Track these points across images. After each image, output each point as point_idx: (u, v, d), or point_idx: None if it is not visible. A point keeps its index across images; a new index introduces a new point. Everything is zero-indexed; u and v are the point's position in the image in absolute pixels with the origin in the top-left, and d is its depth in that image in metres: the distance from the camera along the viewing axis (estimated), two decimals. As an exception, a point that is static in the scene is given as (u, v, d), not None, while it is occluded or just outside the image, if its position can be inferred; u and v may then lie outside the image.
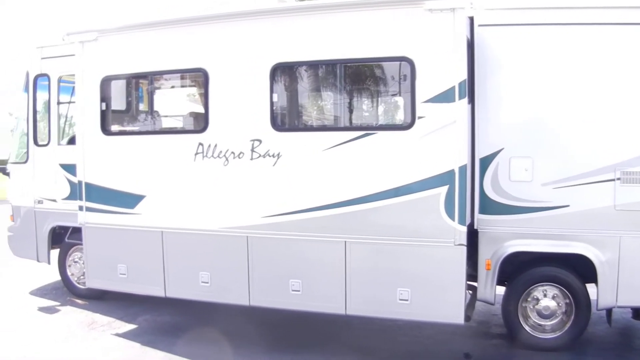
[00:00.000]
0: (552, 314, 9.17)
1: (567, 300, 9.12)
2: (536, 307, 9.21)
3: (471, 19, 8.90)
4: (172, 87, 11.52)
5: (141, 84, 11.45)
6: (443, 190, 8.41)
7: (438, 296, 8.69)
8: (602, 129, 8.64)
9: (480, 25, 8.94)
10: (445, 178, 8.40)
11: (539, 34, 8.76)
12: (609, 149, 8.61)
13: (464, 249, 8.47)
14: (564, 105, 8.75)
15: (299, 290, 9.29)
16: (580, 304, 9.06)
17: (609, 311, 9.29)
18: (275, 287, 9.48)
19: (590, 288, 9.09)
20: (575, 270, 9.07)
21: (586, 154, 8.68)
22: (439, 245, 8.53)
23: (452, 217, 8.42)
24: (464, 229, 8.43)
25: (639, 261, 8.65)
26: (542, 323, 9.23)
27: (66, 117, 12.51)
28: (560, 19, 8.66)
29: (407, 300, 8.76)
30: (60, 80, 12.32)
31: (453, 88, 8.29)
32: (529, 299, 9.25)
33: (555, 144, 8.77)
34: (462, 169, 8.36)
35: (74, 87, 11.28)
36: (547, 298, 9.17)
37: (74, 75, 10.95)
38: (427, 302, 8.75)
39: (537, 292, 9.21)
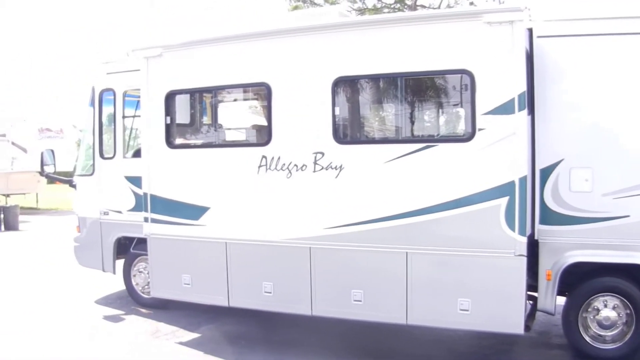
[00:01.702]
0: (613, 325, 9.11)
1: (628, 311, 9.04)
2: (596, 317, 9.16)
3: (530, 31, 8.95)
4: (235, 100, 11.75)
5: (205, 98, 11.70)
6: (503, 201, 8.46)
7: (498, 306, 8.71)
8: (662, 139, 8.62)
9: (539, 37, 8.97)
10: (505, 189, 8.44)
11: (597, 44, 8.76)
12: (669, 159, 8.58)
13: (524, 259, 8.49)
14: (623, 115, 8.73)
15: (360, 301, 9.39)
16: (641, 315, 9.02)
17: (669, 322, 9.22)
18: (337, 297, 9.59)
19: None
20: (636, 281, 9.01)
21: (646, 165, 8.66)
22: (499, 255, 8.57)
23: (512, 227, 8.45)
24: (524, 239, 8.46)
25: (699, 271, 8.58)
26: (603, 334, 9.16)
27: (131, 130, 12.84)
28: (617, 29, 8.64)
29: (467, 310, 8.82)
30: (125, 94, 12.63)
31: (513, 100, 8.33)
32: (589, 310, 9.21)
33: (615, 154, 8.73)
34: (522, 180, 8.39)
35: (138, 101, 11.62)
36: (608, 308, 9.11)
37: (138, 89, 11.26)
38: (487, 312, 8.78)
39: (598, 302, 9.16)
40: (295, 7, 34.86)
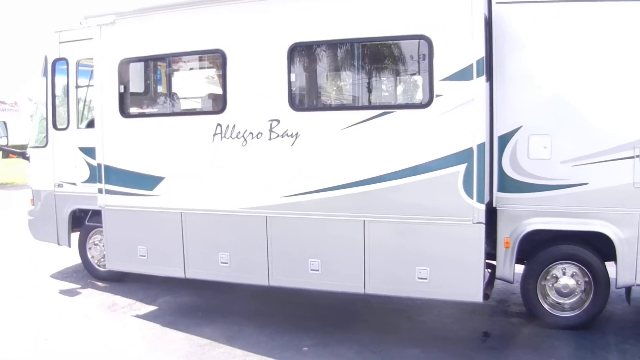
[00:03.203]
0: (571, 292, 9.17)
1: (586, 279, 9.10)
2: (555, 285, 9.21)
3: (489, -4, 8.87)
4: (191, 69, 11.55)
5: (159, 67, 11.52)
6: (461, 168, 8.39)
7: (456, 275, 8.67)
8: (622, 107, 8.58)
9: (498, 3, 8.88)
10: (463, 156, 8.37)
11: (557, 11, 8.69)
12: (628, 127, 8.55)
13: (483, 227, 8.45)
14: (583, 82, 8.70)
15: (317, 270, 9.32)
16: (599, 282, 9.04)
17: (628, 289, 9.27)
18: (294, 267, 9.50)
19: (610, 266, 9.05)
20: (595, 248, 9.06)
21: (605, 132, 8.62)
22: (457, 223, 8.51)
23: (470, 195, 8.40)
24: (483, 207, 8.41)
25: (659, 239, 8.59)
26: (561, 301, 9.22)
27: (85, 100, 12.54)
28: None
29: (425, 278, 8.77)
30: (78, 64, 12.36)
31: (471, 66, 8.24)
32: (548, 277, 9.25)
33: (574, 121, 8.71)
34: (481, 147, 8.32)
35: (92, 71, 11.35)
36: (566, 276, 9.16)
37: (92, 58, 11.00)
38: (445, 280, 8.74)
39: (556, 270, 9.20)
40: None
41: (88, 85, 12.22)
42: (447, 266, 8.71)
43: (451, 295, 8.90)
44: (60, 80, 12.66)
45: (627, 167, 8.57)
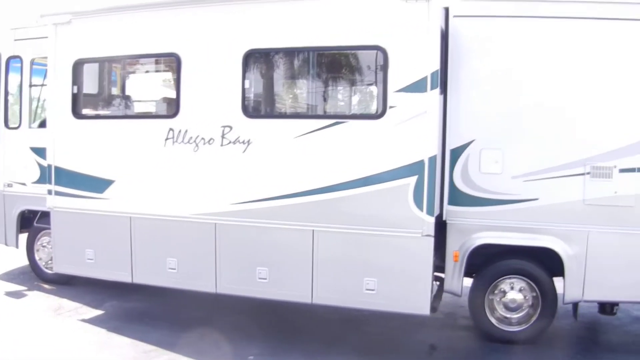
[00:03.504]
0: (519, 307, 9.21)
1: (534, 294, 9.15)
2: (503, 299, 9.24)
3: (446, 10, 8.90)
4: (147, 71, 11.44)
5: (114, 68, 11.39)
6: (412, 180, 8.40)
7: (404, 287, 8.67)
8: (573, 123, 8.68)
9: (455, 16, 8.93)
10: (414, 168, 8.39)
11: (512, 26, 8.78)
12: (579, 144, 8.65)
13: (432, 239, 8.46)
14: (535, 98, 8.76)
15: (265, 278, 9.26)
16: (546, 298, 9.10)
17: (575, 305, 9.33)
18: (242, 275, 9.46)
19: (558, 282, 9.11)
20: (543, 264, 9.11)
21: (556, 148, 8.71)
22: (406, 235, 8.52)
23: (420, 207, 8.41)
24: (432, 219, 8.43)
25: (606, 256, 8.69)
26: (509, 316, 9.26)
27: (38, 100, 12.42)
28: (532, 11, 8.69)
29: (373, 290, 8.76)
30: (33, 62, 12.25)
31: (425, 78, 8.27)
32: (495, 292, 9.28)
33: (526, 137, 8.79)
34: (432, 159, 8.35)
35: (46, 70, 11.18)
36: (514, 291, 9.20)
37: (46, 57, 10.84)
38: (393, 292, 8.73)
39: (504, 284, 9.24)
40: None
41: (42, 85, 12.09)
42: (395, 278, 8.70)
43: (399, 307, 8.87)
44: (14, 79, 12.52)
45: (577, 184, 8.67)
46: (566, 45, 8.66)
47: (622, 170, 8.58)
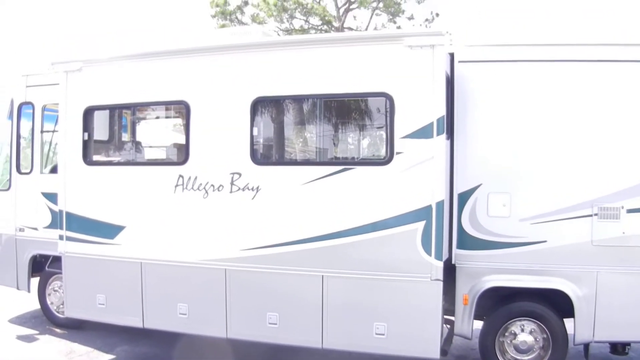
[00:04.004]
0: (530, 349, 9.16)
1: (545, 335, 9.11)
2: (513, 341, 9.20)
3: (452, 55, 9.01)
4: (157, 117, 11.60)
5: (125, 114, 11.50)
6: (420, 225, 8.46)
7: (414, 331, 8.69)
8: (579, 165, 8.73)
9: (460, 62, 9.04)
10: (422, 213, 8.44)
11: (517, 71, 8.88)
12: (586, 185, 8.69)
13: (440, 284, 8.50)
14: (541, 141, 8.83)
15: (276, 324, 9.29)
16: (557, 339, 9.06)
17: (586, 346, 9.29)
18: (252, 320, 9.48)
19: (568, 322, 9.08)
20: (553, 305, 9.10)
21: (563, 190, 8.75)
22: (415, 280, 8.55)
23: (429, 252, 8.46)
24: (441, 264, 8.47)
25: (615, 296, 8.69)
26: (519, 358, 9.20)
27: (50, 145, 12.53)
28: (535, 55, 8.81)
29: (383, 334, 8.78)
30: (44, 108, 12.36)
31: (431, 124, 8.35)
32: (506, 334, 9.25)
33: (533, 180, 8.84)
34: (439, 204, 8.40)
35: (58, 116, 11.30)
36: (525, 333, 9.16)
37: (58, 104, 10.97)
38: (403, 336, 8.75)
39: (515, 326, 9.20)
40: (222, 26, 34.73)
41: (53, 131, 12.18)
42: (405, 322, 8.72)
43: (409, 352, 8.86)
44: (26, 124, 12.63)
45: (585, 225, 8.69)
46: (570, 87, 8.75)
47: (630, 211, 8.60)
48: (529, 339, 9.15)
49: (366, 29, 35.96)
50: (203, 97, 9.64)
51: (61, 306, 12.06)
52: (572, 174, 8.75)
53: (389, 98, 8.62)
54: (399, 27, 36.15)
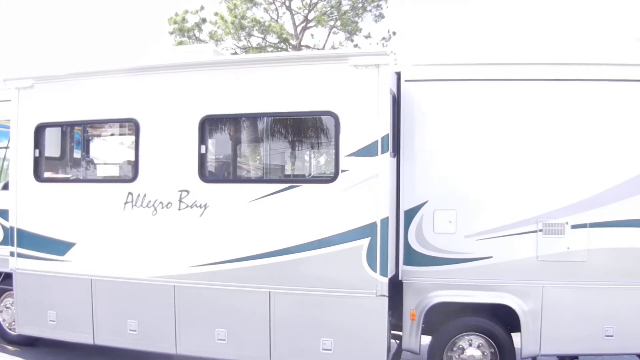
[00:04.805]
0: (477, 363, 9.28)
1: (492, 350, 9.20)
2: (461, 356, 9.27)
3: (398, 75, 9.13)
4: (109, 135, 11.58)
5: (76, 131, 11.48)
6: (365, 242, 8.55)
7: (361, 346, 8.77)
8: (524, 182, 8.88)
9: (407, 81, 9.16)
10: (367, 230, 8.54)
11: (462, 89, 9.03)
12: (530, 202, 8.84)
13: (386, 299, 8.59)
14: (486, 158, 8.98)
15: (224, 340, 9.34)
16: (504, 353, 9.15)
17: (534, 359, 9.40)
18: (201, 336, 9.51)
19: (516, 337, 9.20)
20: (500, 320, 9.21)
21: (508, 207, 8.89)
22: (361, 296, 8.63)
23: (374, 268, 8.55)
24: (386, 280, 8.56)
25: (561, 310, 8.84)
26: (468, 372, 9.33)
27: (2, 162, 12.45)
28: (480, 75, 8.97)
29: (330, 350, 8.85)
30: (-4, 125, 12.26)
31: (376, 142, 8.46)
32: (454, 349, 9.31)
33: (479, 196, 8.97)
34: (384, 221, 8.51)
35: (9, 133, 11.28)
36: (472, 347, 9.24)
37: (9, 120, 10.95)
38: (350, 352, 8.82)
39: (463, 341, 9.28)
40: (180, 43, 34.78)
41: (5, 147, 12.11)
42: (352, 338, 8.80)
43: (356, 367, 8.96)
44: (-23, 141, 12.53)
45: (530, 241, 8.85)
46: (513, 105, 8.92)
47: (574, 227, 8.77)
48: (477, 353, 9.22)
49: (323, 47, 36.31)
50: (152, 115, 9.70)
51: (13, 323, 11.94)
52: (517, 190, 8.90)
53: (334, 117, 8.71)
54: (356, 46, 36.67)
